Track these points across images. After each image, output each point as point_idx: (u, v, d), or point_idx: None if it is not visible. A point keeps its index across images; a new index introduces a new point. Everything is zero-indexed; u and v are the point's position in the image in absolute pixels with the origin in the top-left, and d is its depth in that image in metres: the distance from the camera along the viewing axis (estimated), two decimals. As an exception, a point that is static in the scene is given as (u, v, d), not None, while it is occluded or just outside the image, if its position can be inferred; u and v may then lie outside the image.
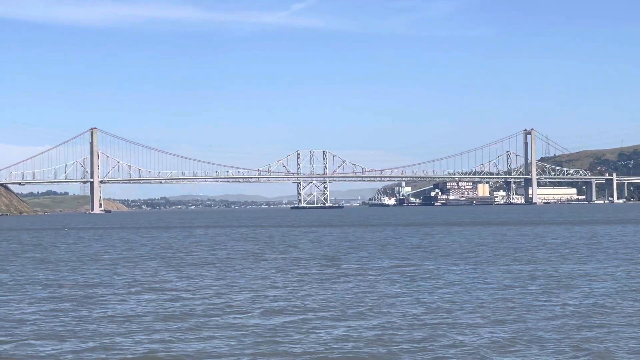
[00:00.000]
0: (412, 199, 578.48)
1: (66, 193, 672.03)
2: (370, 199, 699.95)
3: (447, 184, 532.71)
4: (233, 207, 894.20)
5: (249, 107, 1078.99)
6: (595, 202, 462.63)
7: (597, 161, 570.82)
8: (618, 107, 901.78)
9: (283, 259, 51.74)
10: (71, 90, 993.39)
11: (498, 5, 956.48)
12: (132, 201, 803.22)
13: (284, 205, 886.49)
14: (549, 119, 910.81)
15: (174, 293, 31.28)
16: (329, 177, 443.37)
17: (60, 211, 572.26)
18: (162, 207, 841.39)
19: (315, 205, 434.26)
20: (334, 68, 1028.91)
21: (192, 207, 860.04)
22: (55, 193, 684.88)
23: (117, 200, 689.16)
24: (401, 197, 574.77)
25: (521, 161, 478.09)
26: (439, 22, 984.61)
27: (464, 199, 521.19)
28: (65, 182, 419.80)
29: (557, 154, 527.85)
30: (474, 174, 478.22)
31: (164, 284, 35.30)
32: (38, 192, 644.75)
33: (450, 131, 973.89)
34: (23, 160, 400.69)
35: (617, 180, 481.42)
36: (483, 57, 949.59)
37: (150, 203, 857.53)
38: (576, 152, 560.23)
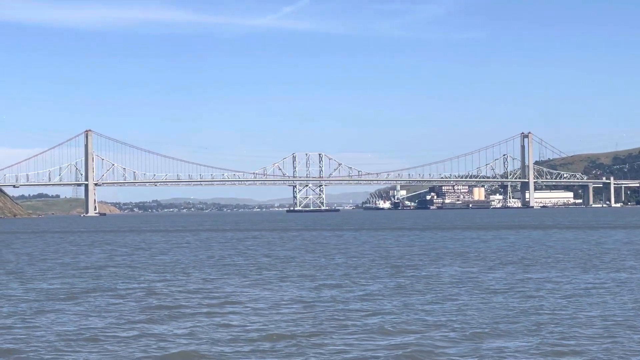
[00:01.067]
0: (407, 202, 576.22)
1: (57, 196, 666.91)
2: (364, 203, 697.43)
3: (443, 188, 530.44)
4: (225, 210, 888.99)
5: (243, 109, 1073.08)
6: (593, 206, 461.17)
7: (592, 165, 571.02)
8: (612, 111, 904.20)
9: (338, 265, 48.15)
10: (65, 93, 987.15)
11: (488, 8, 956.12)
12: (124, 204, 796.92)
13: (277, 209, 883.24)
14: (543, 123, 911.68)
15: (260, 306, 27.51)
16: (325, 180, 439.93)
17: (53, 214, 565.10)
18: (154, 210, 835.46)
19: (311, 208, 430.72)
20: (326, 70, 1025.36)
21: (184, 210, 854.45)
22: (47, 196, 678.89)
23: (108, 203, 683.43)
24: (396, 201, 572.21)
25: (517, 164, 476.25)
26: (429, 25, 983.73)
27: (460, 202, 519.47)
28: (60, 184, 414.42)
29: (551, 158, 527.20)
30: (470, 177, 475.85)
31: (241, 295, 31.57)
32: (30, 195, 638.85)
33: (444, 135, 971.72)
34: (17, 163, 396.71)
35: (614, 184, 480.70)
36: (473, 60, 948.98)
37: (142, 206, 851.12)
38: (571, 156, 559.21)
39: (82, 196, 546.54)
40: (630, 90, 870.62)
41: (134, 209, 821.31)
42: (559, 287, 32.17)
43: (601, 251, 57.32)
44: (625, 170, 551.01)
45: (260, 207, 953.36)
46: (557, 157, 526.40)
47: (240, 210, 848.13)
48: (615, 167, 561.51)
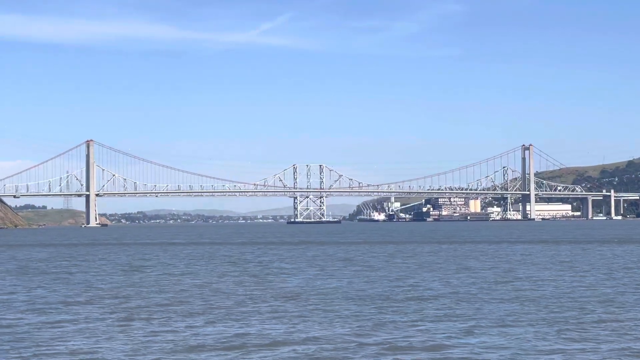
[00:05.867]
0: (401, 214, 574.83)
1: (45, 207, 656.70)
2: (355, 214, 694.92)
3: (439, 200, 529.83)
4: (210, 221, 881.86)
5: (243, 120, 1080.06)
6: (595, 219, 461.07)
7: (580, 178, 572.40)
8: (598, 124, 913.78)
9: (469, 280, 46.04)
10: (66, 103, 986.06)
11: (462, 26, 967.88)
12: (110, 215, 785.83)
13: (261, 220, 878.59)
14: (531, 136, 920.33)
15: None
16: (326, 191, 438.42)
17: (44, 225, 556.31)
18: (140, 222, 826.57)
19: (312, 220, 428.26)
20: (312, 85, 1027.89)
21: (171, 222, 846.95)
22: (33, 207, 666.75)
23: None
24: (390, 213, 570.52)
25: (510, 177, 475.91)
26: (405, 42, 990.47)
27: (457, 214, 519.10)
28: (60, 194, 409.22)
29: (539, 171, 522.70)
30: (469, 190, 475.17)
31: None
32: (16, 206, 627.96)
33: (442, 147, 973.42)
34: (18, 173, 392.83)
35: (614, 197, 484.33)
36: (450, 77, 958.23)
37: (129, 217, 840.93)
38: (559, 169, 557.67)
39: (73, 207, 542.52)
40: (616, 102, 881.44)
41: (121, 220, 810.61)
42: None
43: None
44: (615, 182, 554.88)
45: (244, 218, 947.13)
46: (545, 170, 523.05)
47: (225, 222, 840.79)
48: (604, 180, 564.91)
